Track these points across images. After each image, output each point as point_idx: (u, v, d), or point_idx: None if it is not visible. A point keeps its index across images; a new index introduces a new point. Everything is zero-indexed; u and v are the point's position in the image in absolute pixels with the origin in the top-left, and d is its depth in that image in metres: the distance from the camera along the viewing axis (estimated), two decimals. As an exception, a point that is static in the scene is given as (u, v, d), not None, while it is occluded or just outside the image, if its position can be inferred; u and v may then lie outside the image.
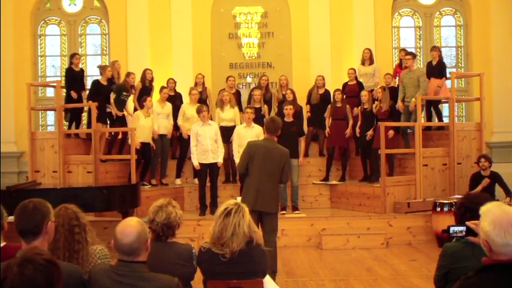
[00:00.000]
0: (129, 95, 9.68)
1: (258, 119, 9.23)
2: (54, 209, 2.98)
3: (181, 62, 11.34)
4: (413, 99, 9.25)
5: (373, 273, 6.76)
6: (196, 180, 9.54)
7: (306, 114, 10.22)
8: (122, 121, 9.50)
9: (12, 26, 11.42)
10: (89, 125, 9.64)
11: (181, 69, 11.17)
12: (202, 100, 10.11)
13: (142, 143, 9.12)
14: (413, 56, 9.83)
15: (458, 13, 12.00)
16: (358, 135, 9.71)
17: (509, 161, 10.96)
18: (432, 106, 10.14)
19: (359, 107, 9.80)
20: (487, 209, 2.25)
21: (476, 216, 2.39)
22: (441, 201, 8.10)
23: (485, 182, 8.47)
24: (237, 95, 10.42)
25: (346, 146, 9.83)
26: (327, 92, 10.24)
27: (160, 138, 9.59)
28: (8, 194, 6.73)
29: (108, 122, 9.60)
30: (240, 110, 10.04)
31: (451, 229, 2.88)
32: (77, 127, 10.02)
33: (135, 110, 9.64)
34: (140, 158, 9.10)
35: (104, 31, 12.00)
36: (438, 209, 8.00)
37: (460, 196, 6.98)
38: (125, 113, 9.55)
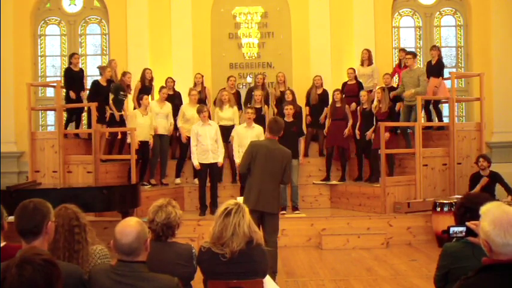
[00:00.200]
0: (126, 94, 9.69)
1: (259, 119, 9.23)
2: (54, 209, 2.98)
3: (181, 62, 11.34)
4: (412, 90, 9.30)
5: (373, 273, 6.76)
6: (196, 180, 9.54)
7: (305, 116, 10.21)
8: (121, 121, 9.50)
9: (12, 26, 11.42)
10: (89, 125, 9.65)
11: (181, 69, 11.16)
12: (202, 100, 10.11)
13: (141, 142, 9.12)
14: (414, 55, 9.86)
15: (458, 13, 12.00)
16: (358, 137, 9.72)
17: (509, 161, 10.96)
18: (432, 106, 10.15)
19: (358, 107, 9.80)
20: (487, 209, 2.25)
21: (476, 217, 2.39)
22: (441, 201, 8.11)
23: (484, 181, 8.47)
24: (237, 95, 10.42)
25: (345, 146, 9.83)
26: (325, 91, 10.24)
27: (160, 138, 9.59)
28: (8, 194, 6.73)
29: (108, 122, 9.61)
30: (239, 109, 10.05)
31: (451, 229, 2.88)
32: (77, 127, 10.02)
33: (135, 109, 9.66)
34: (139, 158, 9.10)
35: (104, 31, 12.00)
36: (438, 209, 8.01)
37: (460, 196, 6.99)
38: (122, 113, 9.55)
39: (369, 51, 10.60)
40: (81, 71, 10.07)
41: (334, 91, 9.94)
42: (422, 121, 9.56)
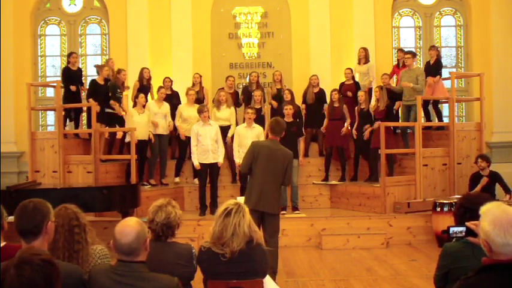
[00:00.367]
0: (122, 92, 9.69)
1: (258, 119, 9.24)
2: (54, 209, 2.98)
3: (181, 62, 11.34)
4: (411, 84, 9.40)
5: (373, 273, 6.76)
6: (196, 180, 9.54)
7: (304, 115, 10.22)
8: (120, 120, 9.49)
9: (12, 26, 11.42)
10: (88, 125, 9.65)
11: (181, 70, 11.16)
12: (200, 100, 10.12)
13: (139, 141, 9.11)
14: (413, 55, 9.90)
15: (458, 13, 12.00)
16: (355, 137, 9.72)
17: (509, 161, 10.96)
18: (432, 106, 10.15)
19: (356, 108, 9.79)
20: (487, 209, 2.25)
21: (476, 217, 2.39)
22: (441, 201, 8.11)
23: (484, 181, 8.47)
24: (235, 95, 10.43)
25: (344, 145, 9.83)
26: (321, 91, 10.24)
27: (159, 138, 9.59)
28: (8, 194, 6.74)
29: (107, 121, 9.62)
30: (238, 106, 10.11)
31: (451, 229, 2.89)
32: (76, 127, 10.02)
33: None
34: (137, 157, 9.09)
35: (104, 31, 12.00)
36: (438, 209, 8.01)
37: (460, 196, 6.98)
38: (122, 112, 9.56)
39: (365, 49, 10.60)
40: (79, 70, 10.04)
41: (332, 91, 9.94)
42: (422, 121, 9.56)
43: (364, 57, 10.55)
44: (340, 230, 8.45)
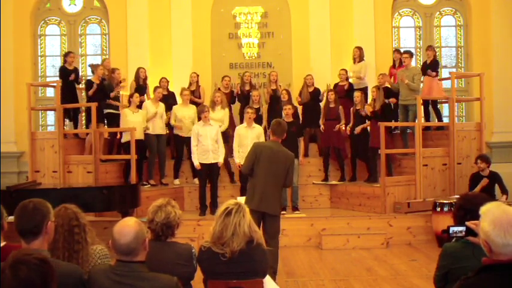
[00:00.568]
0: (119, 91, 9.69)
1: (257, 119, 9.25)
2: (54, 209, 2.98)
3: (181, 62, 11.33)
4: (406, 80, 9.50)
5: (373, 273, 6.76)
6: (196, 180, 9.55)
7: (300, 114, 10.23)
8: (118, 120, 9.49)
9: (12, 26, 11.42)
10: (86, 125, 9.66)
11: (181, 70, 11.15)
12: (196, 99, 10.16)
13: (135, 140, 9.08)
14: (411, 54, 9.94)
15: (458, 13, 12.00)
16: (348, 132, 9.73)
17: (509, 161, 10.96)
18: (431, 106, 10.16)
19: (352, 108, 9.79)
20: (487, 209, 2.25)
21: (476, 218, 2.39)
22: (441, 201, 8.11)
23: (484, 182, 8.46)
24: (231, 94, 10.44)
25: (341, 146, 9.83)
26: (316, 90, 10.23)
27: (157, 138, 9.58)
28: (8, 194, 6.75)
29: (106, 121, 9.64)
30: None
31: (451, 229, 2.89)
32: (75, 127, 10.01)
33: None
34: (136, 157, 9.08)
35: (104, 31, 12.00)
36: (438, 209, 8.01)
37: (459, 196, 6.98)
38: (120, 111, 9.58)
39: (359, 48, 10.59)
40: (76, 69, 9.99)
41: (328, 91, 9.94)
42: (422, 121, 9.57)
43: (359, 57, 10.55)
44: (340, 230, 8.45)
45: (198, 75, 10.45)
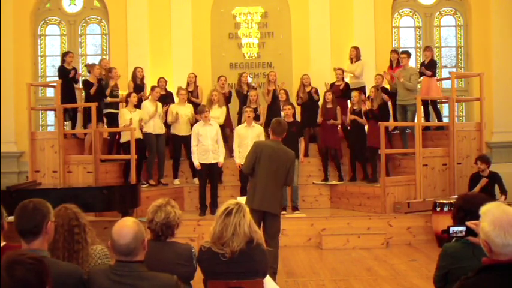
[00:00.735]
0: (117, 90, 9.69)
1: (254, 118, 9.25)
2: (54, 209, 2.98)
3: (181, 62, 11.33)
4: (402, 79, 9.54)
5: (373, 273, 6.76)
6: (196, 180, 9.55)
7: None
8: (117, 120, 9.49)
9: (12, 26, 11.41)
10: (84, 125, 9.66)
11: (181, 70, 11.14)
12: (194, 98, 10.16)
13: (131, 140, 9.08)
14: (408, 55, 9.93)
15: (458, 13, 11.99)
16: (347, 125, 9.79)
17: (509, 161, 10.96)
18: (431, 106, 10.16)
19: (349, 108, 9.79)
20: (487, 209, 2.25)
21: (475, 218, 2.39)
22: (441, 201, 8.11)
23: (483, 182, 8.46)
24: (229, 94, 10.44)
25: (337, 146, 9.84)
26: (314, 89, 10.22)
27: (156, 138, 9.57)
28: (8, 194, 6.75)
29: (107, 121, 9.64)
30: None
31: (451, 229, 2.89)
32: (73, 127, 10.01)
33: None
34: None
35: (104, 31, 12.00)
36: (438, 209, 8.01)
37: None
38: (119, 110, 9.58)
39: (356, 48, 10.59)
40: (74, 69, 9.98)
41: (325, 92, 9.94)
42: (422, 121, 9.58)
43: (356, 56, 10.55)
44: (340, 230, 8.45)
45: (196, 76, 10.45)
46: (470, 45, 11.76)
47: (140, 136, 9.24)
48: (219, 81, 10.38)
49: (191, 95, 10.20)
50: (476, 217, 2.34)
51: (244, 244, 3.39)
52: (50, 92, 11.41)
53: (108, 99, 9.49)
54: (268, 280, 3.60)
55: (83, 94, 9.97)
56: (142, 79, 10.20)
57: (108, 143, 9.79)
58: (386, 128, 9.49)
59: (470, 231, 2.77)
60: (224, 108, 9.91)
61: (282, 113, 9.16)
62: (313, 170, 10.03)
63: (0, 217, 3.09)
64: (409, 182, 9.07)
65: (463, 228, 2.83)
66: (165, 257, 3.30)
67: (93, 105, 9.02)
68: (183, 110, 9.68)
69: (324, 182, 9.88)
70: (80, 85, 10.04)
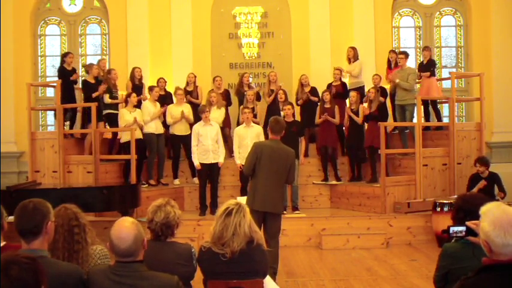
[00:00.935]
0: (117, 91, 9.70)
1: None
2: (54, 209, 2.98)
3: (181, 62, 11.33)
4: (397, 80, 9.59)
5: (373, 273, 6.76)
6: (196, 180, 9.55)
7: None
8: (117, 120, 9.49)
9: (12, 26, 11.41)
10: (82, 126, 9.66)
11: (181, 70, 11.13)
12: (193, 98, 10.15)
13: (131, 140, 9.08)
14: (406, 55, 9.95)
15: (458, 13, 11.99)
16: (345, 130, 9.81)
17: (509, 161, 10.96)
18: (431, 106, 10.16)
19: (346, 108, 9.77)
20: (487, 209, 2.25)
21: (475, 218, 2.39)
22: (441, 201, 8.11)
23: (481, 184, 8.44)
24: (227, 94, 10.43)
25: (335, 146, 9.84)
26: (312, 89, 10.23)
27: (156, 138, 9.57)
28: (8, 194, 6.75)
29: (106, 121, 9.63)
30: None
31: (451, 229, 2.88)
32: (71, 127, 10.00)
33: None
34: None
35: (104, 31, 12.00)
36: (438, 209, 8.00)
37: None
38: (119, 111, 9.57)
39: (353, 48, 10.58)
40: (74, 70, 9.97)
41: (323, 92, 9.94)
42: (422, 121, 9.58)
43: (353, 57, 10.54)
44: (340, 230, 8.45)
45: (195, 76, 10.45)
46: (470, 45, 11.76)
47: (140, 136, 9.24)
48: (215, 82, 10.38)
49: (191, 95, 10.20)
50: (476, 217, 2.34)
51: (245, 244, 3.39)
52: (50, 92, 11.40)
53: (108, 101, 9.48)
54: (268, 280, 3.60)
55: (82, 95, 9.97)
56: (140, 79, 10.19)
57: (108, 143, 9.79)
58: (385, 128, 9.50)
59: (470, 231, 2.77)
60: (223, 109, 9.91)
61: (282, 113, 9.15)
62: (313, 170, 10.02)
63: (0, 217, 3.09)
64: (409, 182, 9.07)
65: (463, 228, 2.83)
66: (164, 257, 3.30)
67: (93, 105, 9.02)
68: (180, 111, 9.64)
69: (324, 182, 9.88)
70: (80, 85, 10.05)
